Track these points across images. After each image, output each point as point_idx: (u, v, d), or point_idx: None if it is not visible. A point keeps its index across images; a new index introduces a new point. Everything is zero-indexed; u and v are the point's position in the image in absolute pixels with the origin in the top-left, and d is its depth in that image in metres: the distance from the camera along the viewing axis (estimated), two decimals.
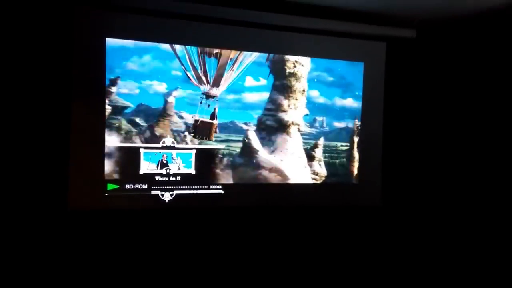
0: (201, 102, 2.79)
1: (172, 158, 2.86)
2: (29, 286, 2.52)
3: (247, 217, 3.00)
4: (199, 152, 2.90)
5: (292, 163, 3.01)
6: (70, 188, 2.63)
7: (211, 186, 2.93)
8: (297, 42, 3.05)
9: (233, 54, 2.89)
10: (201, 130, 2.76)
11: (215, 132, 2.82)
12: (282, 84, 2.97)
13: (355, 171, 3.18)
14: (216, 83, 2.83)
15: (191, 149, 2.89)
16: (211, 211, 2.92)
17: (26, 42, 2.55)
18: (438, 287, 3.00)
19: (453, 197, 3.22)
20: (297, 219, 3.11)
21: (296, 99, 2.96)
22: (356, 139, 3.15)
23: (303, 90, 3.00)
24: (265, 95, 2.96)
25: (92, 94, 2.65)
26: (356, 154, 3.17)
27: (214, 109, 2.84)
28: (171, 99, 2.79)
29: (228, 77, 2.84)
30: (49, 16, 2.57)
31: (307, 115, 3.03)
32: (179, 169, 2.87)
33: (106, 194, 2.72)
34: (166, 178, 2.84)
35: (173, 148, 2.86)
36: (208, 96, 2.81)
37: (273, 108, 2.95)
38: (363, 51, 3.20)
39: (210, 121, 2.80)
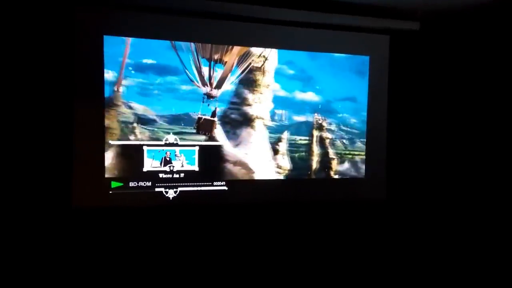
0: (203, 102, 2.86)
1: (175, 155, 2.85)
2: (33, 282, 2.53)
3: (251, 214, 3.00)
4: (203, 149, 2.90)
5: (257, 157, 3.00)
6: (74, 186, 2.64)
7: (214, 183, 2.93)
8: (298, 36, 3.02)
9: (236, 60, 2.91)
10: (203, 126, 2.86)
11: (215, 128, 2.89)
12: (247, 78, 2.94)
13: (314, 165, 3.12)
14: (218, 86, 2.89)
15: (194, 146, 2.89)
16: (215, 207, 2.92)
17: (27, 40, 2.54)
18: (442, 281, 2.99)
19: (458, 190, 3.20)
20: (302, 215, 3.11)
21: (261, 93, 2.94)
22: (316, 133, 3.09)
23: (268, 85, 2.97)
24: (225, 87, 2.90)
25: (92, 91, 2.65)
26: (315, 148, 3.11)
27: (215, 108, 2.88)
28: (119, 88, 2.73)
29: (229, 80, 2.90)
30: (49, 13, 2.56)
31: (272, 109, 3.00)
32: (182, 166, 2.86)
33: (111, 192, 2.72)
34: (170, 175, 2.84)
35: (176, 145, 2.85)
36: (209, 96, 2.88)
37: (238, 101, 2.92)
38: (367, 45, 3.17)
39: (212, 118, 2.88)
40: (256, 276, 2.91)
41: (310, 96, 3.06)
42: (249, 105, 2.93)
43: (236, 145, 2.95)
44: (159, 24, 2.75)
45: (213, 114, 2.86)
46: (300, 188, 3.10)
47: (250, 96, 2.93)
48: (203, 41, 2.85)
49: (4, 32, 2.49)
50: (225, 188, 2.94)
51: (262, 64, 2.95)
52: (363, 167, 3.21)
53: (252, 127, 2.95)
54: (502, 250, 2.85)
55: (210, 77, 2.87)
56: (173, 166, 2.85)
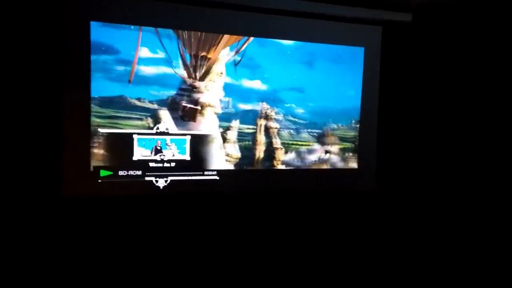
0: (187, 94, 2.86)
1: (166, 144, 2.83)
2: (23, 273, 2.49)
3: (243, 203, 2.99)
4: (194, 138, 2.87)
5: None
6: (63, 175, 2.60)
7: (205, 172, 2.91)
8: (290, 26, 3.01)
9: (220, 56, 2.91)
10: (188, 113, 2.86)
11: (198, 114, 2.88)
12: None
13: (258, 155, 3.05)
14: (202, 79, 2.88)
15: (185, 135, 2.86)
16: (206, 197, 2.90)
17: (13, 28, 2.49)
18: (433, 272, 3.01)
19: (448, 182, 3.22)
20: (293, 205, 3.11)
21: (213, 81, 2.90)
22: (262, 122, 3.03)
23: (221, 73, 2.93)
24: (164, 69, 2.80)
25: (80, 79, 2.61)
26: (260, 138, 3.05)
27: (199, 97, 2.88)
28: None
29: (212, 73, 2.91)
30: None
31: (223, 97, 2.95)
32: (173, 155, 2.84)
33: (100, 181, 2.69)
34: (161, 165, 2.81)
35: (167, 134, 2.83)
36: (193, 87, 2.87)
37: (188, 88, 2.86)
38: (359, 36, 3.17)
39: (195, 107, 2.88)
40: (246, 265, 2.90)
41: (257, 85, 3.01)
42: (200, 92, 2.88)
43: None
44: (145, 11, 2.72)
45: (196, 103, 2.86)
46: (292, 178, 3.10)
47: (201, 84, 2.87)
48: (187, 28, 2.81)
49: None
50: (217, 177, 2.92)
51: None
52: (309, 157, 3.15)
53: (202, 114, 2.89)
54: (492, 240, 2.88)
55: (195, 71, 2.86)
56: (164, 155, 2.82)
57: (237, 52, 2.93)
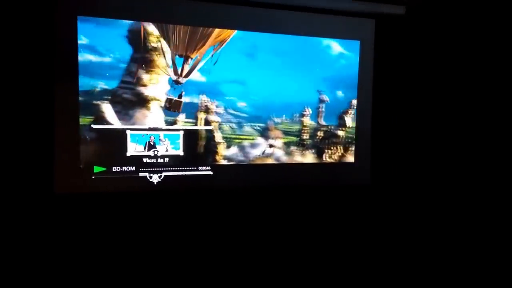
0: (173, 88, 2.85)
1: (159, 139, 2.82)
2: (16, 270, 2.49)
3: (237, 198, 2.99)
4: (187, 133, 2.87)
5: None
6: (56, 171, 2.59)
7: (199, 167, 2.90)
8: (283, 20, 3.00)
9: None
10: (174, 106, 2.85)
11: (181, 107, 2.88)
12: (143, 58, 2.79)
13: (199, 150, 2.97)
14: (187, 76, 2.87)
15: (178, 130, 2.85)
16: (200, 192, 2.90)
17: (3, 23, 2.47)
18: (427, 266, 3.02)
19: (443, 175, 3.22)
20: (287, 199, 3.11)
21: (158, 74, 2.86)
22: (202, 115, 2.92)
23: (167, 66, 2.85)
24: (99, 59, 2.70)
25: (68, 75, 2.60)
26: (201, 132, 2.94)
27: (182, 91, 2.85)
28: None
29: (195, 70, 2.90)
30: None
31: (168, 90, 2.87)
32: (167, 150, 2.83)
33: (93, 177, 2.68)
34: (154, 160, 2.80)
35: (161, 129, 2.82)
36: (177, 83, 2.85)
37: (131, 81, 2.78)
38: (352, 29, 3.16)
39: (179, 99, 2.86)
40: (241, 261, 2.90)
41: (197, 77, 2.92)
42: (144, 85, 2.81)
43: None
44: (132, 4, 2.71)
45: (180, 96, 2.85)
46: (287, 173, 3.10)
47: (145, 76, 2.82)
48: (178, 22, 2.80)
49: None
50: (210, 172, 2.92)
51: (160, 44, 2.82)
52: (252, 152, 3.06)
53: (147, 108, 2.82)
54: (487, 235, 2.88)
55: (182, 69, 2.85)
56: (158, 151, 2.81)
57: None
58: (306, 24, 3.06)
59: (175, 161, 2.84)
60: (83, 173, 2.66)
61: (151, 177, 2.80)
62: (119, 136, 2.73)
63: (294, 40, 3.05)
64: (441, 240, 3.11)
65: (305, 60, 3.09)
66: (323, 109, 3.15)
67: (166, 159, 2.83)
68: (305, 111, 3.12)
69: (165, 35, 2.79)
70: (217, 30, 2.88)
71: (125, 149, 2.75)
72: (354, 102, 3.20)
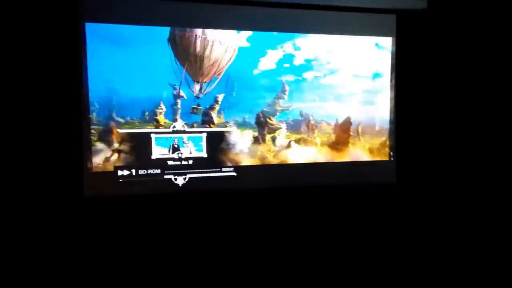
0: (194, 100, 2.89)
1: (183, 142, 2.86)
2: (48, 270, 2.58)
3: (261, 199, 3.00)
4: (210, 135, 2.90)
5: None
6: (84, 176, 2.66)
7: (223, 169, 2.93)
8: (304, 19, 2.99)
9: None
10: (195, 111, 2.89)
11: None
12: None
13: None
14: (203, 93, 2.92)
15: (201, 132, 2.89)
16: (224, 193, 2.93)
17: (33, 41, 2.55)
18: (451, 265, 2.99)
19: (468, 174, 3.17)
20: (311, 199, 3.10)
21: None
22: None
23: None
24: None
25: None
26: None
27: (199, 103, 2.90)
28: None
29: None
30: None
31: None
32: (190, 153, 2.87)
33: (120, 180, 2.74)
34: (179, 162, 2.85)
35: (184, 132, 2.86)
36: (197, 97, 2.89)
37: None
38: (373, 25, 3.12)
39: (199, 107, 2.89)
40: (267, 261, 2.92)
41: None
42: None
43: None
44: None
45: (198, 105, 2.89)
46: (311, 173, 3.09)
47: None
48: (209, 26, 2.85)
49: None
50: (234, 173, 2.95)
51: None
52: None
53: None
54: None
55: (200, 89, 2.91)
56: (181, 153, 2.86)
57: None
58: (325, 22, 3.04)
59: (199, 163, 2.88)
60: (110, 177, 2.72)
61: (176, 179, 2.85)
62: (144, 140, 2.79)
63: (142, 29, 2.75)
64: (462, 240, 3.06)
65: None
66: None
67: (190, 161, 2.87)
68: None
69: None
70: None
71: (150, 152, 2.80)
72: (221, 97, 2.94)
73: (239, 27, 2.91)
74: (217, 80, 2.93)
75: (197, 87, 2.90)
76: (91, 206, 2.70)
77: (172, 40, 2.80)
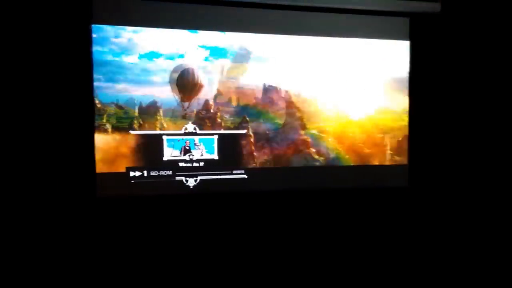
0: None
1: (194, 144, 2.87)
2: (60, 269, 2.61)
3: (271, 202, 3.00)
4: (221, 137, 2.90)
5: None
6: (97, 177, 2.69)
7: (234, 171, 2.94)
8: (317, 21, 2.99)
9: None
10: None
11: None
12: None
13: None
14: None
15: (213, 134, 2.90)
16: (235, 196, 2.93)
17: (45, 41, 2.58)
18: (464, 267, 2.96)
19: (481, 178, 3.14)
20: (322, 202, 3.09)
21: None
22: None
23: None
24: None
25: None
26: None
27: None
28: None
29: None
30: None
31: None
32: (202, 155, 2.88)
33: (132, 181, 2.76)
34: (190, 164, 2.86)
35: (195, 134, 2.87)
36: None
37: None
38: (386, 28, 3.10)
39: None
40: (276, 264, 2.92)
41: None
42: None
43: None
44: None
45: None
46: (322, 175, 3.08)
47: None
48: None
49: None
50: (245, 176, 2.95)
51: None
52: None
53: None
54: None
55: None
56: (193, 155, 2.87)
57: None
58: (338, 25, 3.04)
59: (210, 165, 2.89)
60: (122, 178, 2.74)
61: (187, 181, 2.86)
62: (156, 142, 2.80)
63: None
64: (475, 244, 3.03)
65: None
66: None
67: (201, 163, 2.88)
68: None
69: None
70: None
71: (161, 154, 2.82)
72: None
73: (250, 29, 2.92)
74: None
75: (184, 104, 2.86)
76: (103, 206, 2.72)
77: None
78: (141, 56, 2.75)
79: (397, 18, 3.12)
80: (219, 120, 2.92)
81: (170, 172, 2.83)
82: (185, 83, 2.83)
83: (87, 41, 2.64)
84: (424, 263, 3.05)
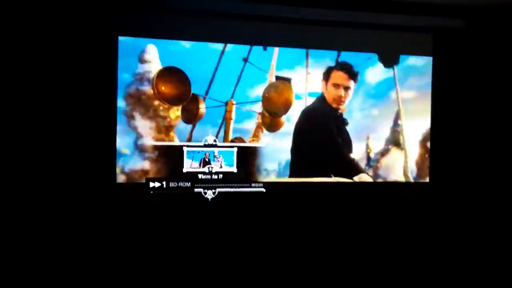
0: None
1: (214, 156, 2.87)
2: (80, 280, 2.62)
3: (290, 216, 2.96)
4: (241, 150, 2.90)
5: None
6: (117, 187, 2.71)
7: (253, 184, 2.92)
8: (342, 36, 3.00)
9: None
10: None
11: None
12: None
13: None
14: None
15: (232, 147, 2.89)
16: (254, 209, 2.91)
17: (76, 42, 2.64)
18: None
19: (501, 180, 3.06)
20: (341, 218, 3.04)
21: None
22: None
23: None
24: None
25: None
26: None
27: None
28: None
29: None
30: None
31: None
32: (221, 167, 2.88)
33: (152, 192, 2.77)
34: (209, 176, 2.85)
35: (215, 146, 2.87)
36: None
37: None
38: (410, 44, 3.08)
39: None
40: (295, 276, 2.87)
41: None
42: None
43: None
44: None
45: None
46: (342, 192, 3.04)
47: None
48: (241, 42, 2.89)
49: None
50: (263, 189, 2.93)
51: None
52: None
53: None
54: None
55: None
56: (212, 167, 2.86)
57: None
58: (362, 40, 3.03)
59: (229, 178, 2.88)
60: (142, 189, 2.75)
61: (205, 193, 2.85)
62: (176, 153, 2.81)
63: None
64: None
65: None
66: None
67: (220, 176, 2.87)
68: None
69: None
70: None
71: (181, 165, 2.82)
72: None
73: (272, 43, 2.93)
74: None
75: None
76: (122, 216, 2.73)
77: None
78: None
79: (421, 34, 3.09)
80: None
81: (189, 184, 2.83)
82: None
83: (113, 54, 2.69)
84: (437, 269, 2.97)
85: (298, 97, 2.98)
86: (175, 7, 2.77)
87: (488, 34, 3.15)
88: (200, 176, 2.85)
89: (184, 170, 2.83)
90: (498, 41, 3.14)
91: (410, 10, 2.98)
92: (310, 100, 3.01)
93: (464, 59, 3.15)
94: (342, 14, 2.90)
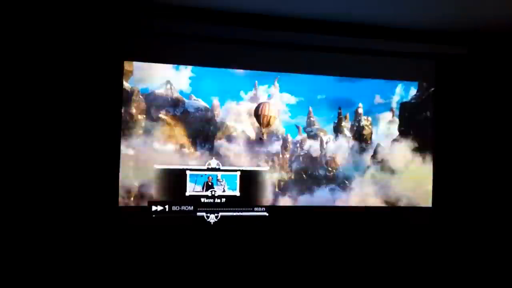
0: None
1: (217, 180, 2.87)
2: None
3: (292, 241, 2.94)
4: (244, 174, 2.90)
5: None
6: (120, 210, 2.70)
7: (255, 209, 2.91)
8: (343, 63, 3.03)
9: None
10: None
11: None
12: None
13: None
14: None
15: (235, 171, 2.90)
16: (256, 233, 2.89)
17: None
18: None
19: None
20: (346, 244, 3.01)
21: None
22: None
23: None
24: None
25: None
26: None
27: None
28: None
29: None
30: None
31: None
32: (224, 191, 2.87)
33: (154, 216, 2.76)
34: (212, 200, 2.85)
35: (218, 170, 2.87)
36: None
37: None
38: (412, 70, 3.11)
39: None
40: None
41: None
42: None
43: None
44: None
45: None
46: (345, 217, 3.03)
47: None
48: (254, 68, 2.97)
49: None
50: (266, 214, 2.92)
51: None
52: None
53: None
54: None
55: None
56: (215, 191, 2.86)
57: None
58: (363, 66, 3.06)
59: (231, 202, 2.87)
60: (144, 212, 2.74)
61: (208, 217, 2.84)
62: (179, 176, 2.81)
63: None
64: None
65: None
66: None
67: (223, 199, 2.87)
68: None
69: None
70: None
71: (184, 188, 2.82)
72: None
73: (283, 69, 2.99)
74: None
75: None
76: (124, 240, 2.71)
77: None
78: None
79: (423, 60, 3.12)
80: None
81: (191, 208, 2.82)
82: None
83: (118, 76, 2.73)
84: None
85: None
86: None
87: (491, 61, 3.17)
88: (202, 199, 2.84)
89: (187, 193, 2.83)
90: (500, 68, 3.16)
91: (412, 37, 3.01)
92: None
93: (466, 85, 3.17)
94: (346, 40, 2.94)
